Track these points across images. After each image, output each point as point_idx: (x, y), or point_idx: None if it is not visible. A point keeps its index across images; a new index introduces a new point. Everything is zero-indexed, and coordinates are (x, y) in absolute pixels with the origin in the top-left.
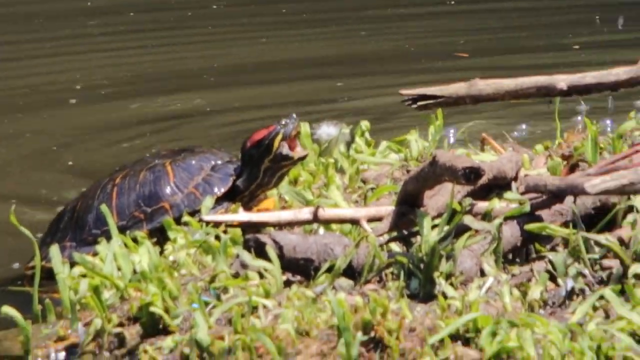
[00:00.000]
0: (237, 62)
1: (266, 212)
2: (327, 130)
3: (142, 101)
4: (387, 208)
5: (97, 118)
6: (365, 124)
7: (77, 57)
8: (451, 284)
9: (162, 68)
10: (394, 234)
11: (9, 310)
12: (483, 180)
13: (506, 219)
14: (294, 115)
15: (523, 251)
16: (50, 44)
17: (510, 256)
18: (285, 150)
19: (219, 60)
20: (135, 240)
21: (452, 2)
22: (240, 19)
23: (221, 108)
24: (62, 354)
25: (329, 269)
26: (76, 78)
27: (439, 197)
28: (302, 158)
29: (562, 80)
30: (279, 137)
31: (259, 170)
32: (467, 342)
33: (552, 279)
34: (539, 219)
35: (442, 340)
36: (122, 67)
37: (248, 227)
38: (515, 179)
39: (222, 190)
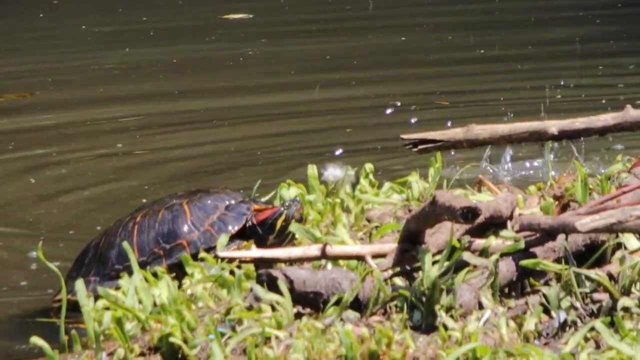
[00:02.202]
0: (251, 105)
1: (277, 249)
2: (334, 172)
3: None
4: (390, 245)
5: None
6: (369, 166)
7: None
8: (451, 316)
9: (183, 109)
10: (398, 269)
11: (38, 340)
12: (480, 219)
13: (502, 255)
14: (298, 199)
15: (518, 285)
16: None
17: (506, 290)
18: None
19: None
20: (155, 275)
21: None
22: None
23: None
24: None
25: (337, 302)
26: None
27: (439, 235)
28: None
29: (553, 126)
30: (282, 218)
31: (265, 243)
32: None
33: (546, 311)
34: (533, 256)
35: None
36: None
37: (261, 263)
38: (511, 218)
39: (236, 228)
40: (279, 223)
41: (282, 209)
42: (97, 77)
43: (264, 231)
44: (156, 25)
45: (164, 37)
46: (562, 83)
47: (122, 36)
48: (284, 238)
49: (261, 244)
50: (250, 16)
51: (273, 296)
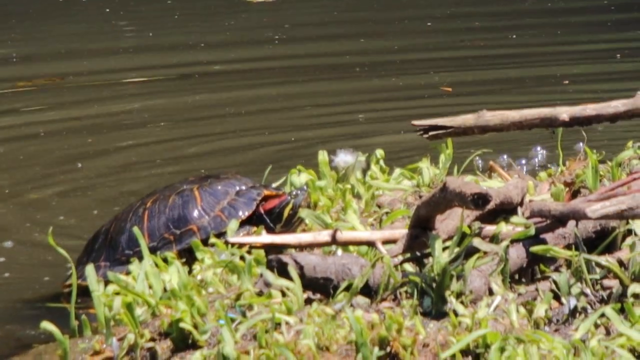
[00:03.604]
0: (263, 95)
1: (287, 235)
2: (344, 157)
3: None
4: (401, 231)
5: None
6: (380, 152)
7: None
8: (461, 302)
9: (192, 100)
10: (408, 255)
11: (48, 325)
12: (491, 205)
13: (513, 241)
14: (305, 187)
15: (529, 272)
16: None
17: (516, 276)
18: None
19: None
20: (165, 260)
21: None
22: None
23: (248, 134)
24: None
25: (347, 288)
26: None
27: (449, 221)
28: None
29: (564, 112)
30: (289, 207)
31: (274, 231)
32: (477, 357)
33: (556, 297)
34: (544, 242)
35: (453, 356)
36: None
37: (271, 249)
38: (521, 204)
39: (247, 213)
40: (286, 212)
41: (289, 197)
42: (120, 63)
43: (271, 220)
44: (181, 8)
45: (188, 20)
46: (575, 70)
47: (146, 20)
48: (291, 226)
49: (269, 232)
50: None
51: (283, 282)
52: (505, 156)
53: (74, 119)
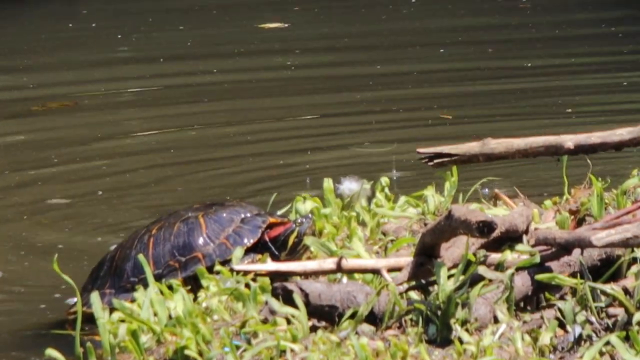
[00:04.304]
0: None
1: (292, 262)
2: (350, 185)
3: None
4: (406, 259)
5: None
6: (385, 180)
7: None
8: (467, 330)
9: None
10: (413, 283)
11: (53, 352)
12: (496, 233)
13: (518, 269)
14: (310, 215)
15: (534, 299)
16: None
17: (521, 304)
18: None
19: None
20: (170, 287)
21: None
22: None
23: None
24: None
25: (352, 315)
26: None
27: (454, 249)
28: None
29: (569, 140)
30: (294, 234)
31: (278, 260)
32: None
33: (561, 325)
34: (549, 270)
35: None
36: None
37: (276, 276)
38: (526, 232)
39: (252, 241)
40: (291, 240)
41: (294, 225)
42: (131, 89)
43: (276, 247)
44: (193, 35)
45: (200, 47)
46: (577, 98)
47: (158, 46)
48: (297, 254)
49: (274, 260)
50: (286, 25)
51: (288, 309)
52: (502, 184)
53: (86, 143)
